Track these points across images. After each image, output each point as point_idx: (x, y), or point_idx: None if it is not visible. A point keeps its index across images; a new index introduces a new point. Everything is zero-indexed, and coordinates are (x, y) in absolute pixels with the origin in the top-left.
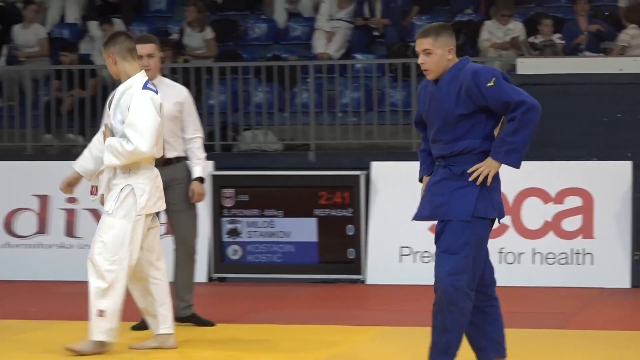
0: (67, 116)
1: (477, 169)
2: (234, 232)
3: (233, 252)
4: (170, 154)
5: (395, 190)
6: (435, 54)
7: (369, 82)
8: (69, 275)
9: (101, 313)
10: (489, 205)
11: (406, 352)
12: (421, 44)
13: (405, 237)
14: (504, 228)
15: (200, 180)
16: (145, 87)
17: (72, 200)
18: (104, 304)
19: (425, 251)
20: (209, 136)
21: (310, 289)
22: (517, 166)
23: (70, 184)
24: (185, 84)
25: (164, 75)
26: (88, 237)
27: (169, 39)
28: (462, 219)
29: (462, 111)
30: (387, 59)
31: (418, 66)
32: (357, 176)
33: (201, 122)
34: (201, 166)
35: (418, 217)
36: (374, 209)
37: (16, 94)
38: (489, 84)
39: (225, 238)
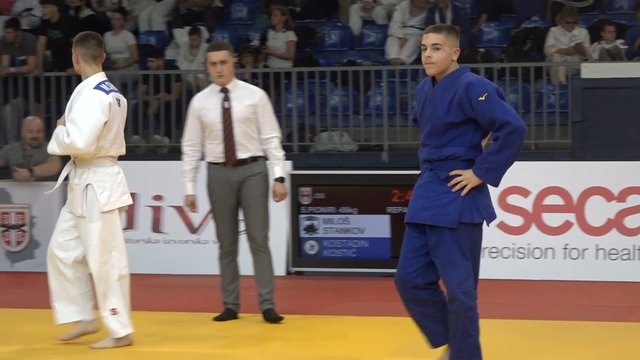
0: (153, 118)
1: (458, 176)
2: (311, 229)
3: (310, 247)
4: (242, 155)
5: None
6: (444, 50)
7: None
8: (155, 268)
9: (114, 311)
10: (474, 210)
11: None
12: (432, 38)
13: None
14: (568, 225)
15: (281, 180)
16: (97, 87)
17: (158, 197)
18: (114, 302)
19: (493, 247)
20: (287, 137)
21: (383, 283)
22: (495, 185)
23: None
24: (265, 88)
25: (244, 80)
26: (173, 233)
27: (249, 45)
28: (448, 225)
29: (451, 119)
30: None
31: (487, 70)
32: None
33: (280, 124)
34: (280, 166)
35: (407, 218)
36: None
37: None
38: (480, 98)
39: (303, 234)
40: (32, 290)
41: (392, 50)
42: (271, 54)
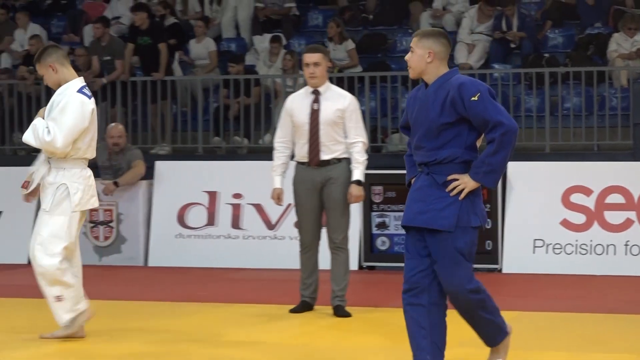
0: (233, 121)
1: (456, 180)
2: (382, 225)
3: (381, 243)
4: (326, 156)
5: (528, 188)
6: (416, 53)
7: (506, 90)
8: (234, 262)
9: (58, 298)
10: (471, 214)
11: (541, 334)
12: (411, 43)
13: (538, 230)
14: (629, 223)
15: (358, 183)
16: (79, 90)
17: (237, 195)
18: (57, 290)
19: (557, 243)
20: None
21: None
22: (494, 187)
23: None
24: None
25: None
26: (252, 229)
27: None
28: (446, 229)
29: (446, 120)
30: (522, 69)
31: (551, 75)
32: None
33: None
34: (360, 170)
35: (403, 221)
36: (509, 205)
37: (189, 101)
38: (473, 98)
39: (375, 230)
40: (118, 283)
41: (461, 56)
42: (337, 67)
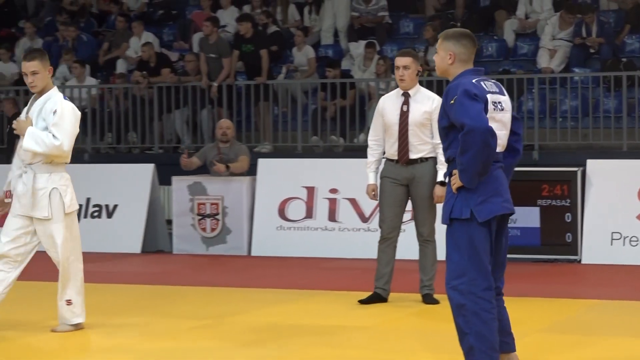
0: (330, 121)
1: (453, 176)
2: None
3: None
4: (413, 155)
5: (607, 184)
6: (438, 54)
7: (586, 92)
8: (331, 253)
9: (69, 302)
10: (464, 207)
11: (618, 320)
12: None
13: (616, 223)
14: None
15: (441, 184)
16: (65, 98)
17: (334, 191)
18: (69, 294)
19: (634, 236)
20: None
21: (533, 267)
22: (468, 185)
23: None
24: None
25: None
26: (347, 222)
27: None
28: (443, 222)
29: (443, 124)
30: (601, 72)
31: (628, 78)
32: (575, 172)
33: None
34: (444, 170)
35: None
36: (588, 200)
37: (289, 103)
38: (451, 102)
39: None
40: (224, 271)
41: (543, 60)
42: (428, 70)
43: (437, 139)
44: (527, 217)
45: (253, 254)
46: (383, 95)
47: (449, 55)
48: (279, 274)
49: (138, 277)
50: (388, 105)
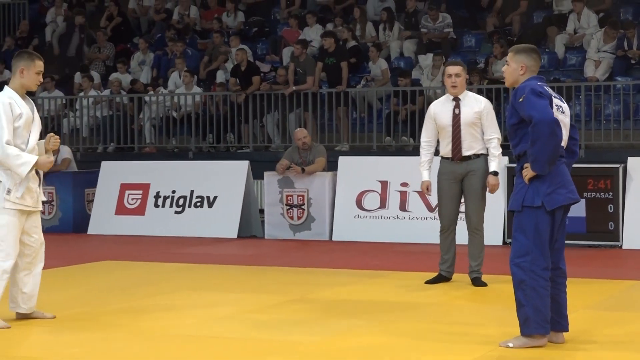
0: (401, 124)
1: (525, 169)
2: None
3: None
4: (467, 152)
5: None
6: (510, 66)
7: (627, 98)
8: (401, 238)
9: None
10: (535, 196)
11: None
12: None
13: None
14: None
15: (494, 173)
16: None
17: (404, 184)
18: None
19: None
20: (504, 138)
21: (579, 252)
22: (541, 172)
23: None
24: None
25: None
26: (416, 211)
27: (476, 67)
28: (514, 208)
29: (513, 121)
30: None
31: None
32: (617, 168)
33: (500, 128)
34: (496, 162)
35: None
36: (629, 193)
37: (366, 108)
38: (519, 100)
39: None
40: (309, 254)
41: (589, 70)
42: (493, 79)
43: (487, 135)
44: (574, 208)
45: (334, 239)
46: None
47: (520, 67)
48: (356, 256)
49: (234, 258)
50: (440, 109)
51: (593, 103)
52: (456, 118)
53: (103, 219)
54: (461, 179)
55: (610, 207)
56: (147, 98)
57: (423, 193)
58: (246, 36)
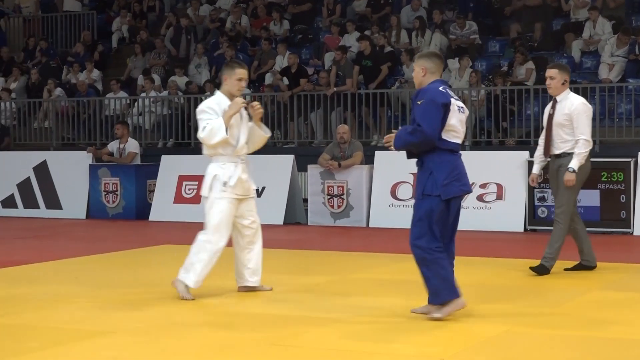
0: None
1: (390, 135)
2: (542, 199)
3: (541, 212)
4: (555, 151)
5: None
6: (415, 70)
7: (638, 98)
8: (462, 226)
9: None
10: (434, 187)
11: None
12: (550, 73)
13: None
14: None
15: (570, 170)
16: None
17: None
18: None
19: None
20: (526, 134)
21: (594, 238)
22: (396, 147)
23: None
24: (511, 100)
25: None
26: None
27: (500, 70)
28: (417, 197)
29: (412, 117)
30: None
31: None
32: (629, 162)
33: (521, 125)
34: (575, 160)
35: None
36: (639, 184)
37: (399, 107)
38: (418, 102)
39: (537, 203)
40: (348, 239)
41: (603, 72)
42: (515, 81)
43: (576, 136)
44: (589, 198)
45: (371, 225)
46: (474, 101)
47: (422, 69)
48: (391, 241)
49: (281, 243)
50: (546, 109)
51: (607, 102)
52: (550, 118)
53: (163, 207)
54: (555, 175)
55: (623, 197)
56: (202, 98)
57: (530, 184)
58: (292, 42)
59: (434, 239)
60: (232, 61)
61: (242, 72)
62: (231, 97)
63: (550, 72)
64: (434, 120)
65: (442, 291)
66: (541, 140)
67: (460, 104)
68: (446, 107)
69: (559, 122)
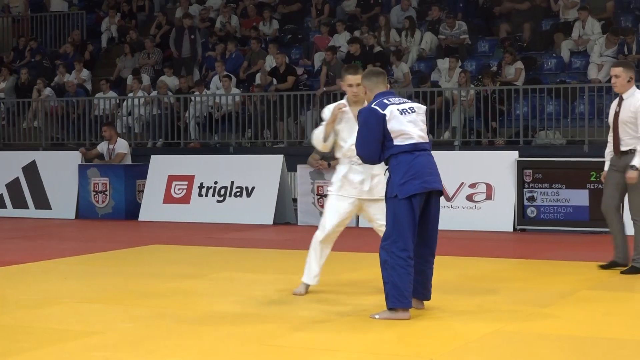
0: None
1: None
2: (531, 199)
3: (531, 212)
4: (623, 148)
5: None
6: (360, 86)
7: None
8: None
9: None
10: (389, 189)
11: None
12: (615, 71)
13: None
14: None
15: (632, 167)
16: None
17: None
18: None
19: None
20: (515, 134)
21: (583, 238)
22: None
23: None
24: (500, 100)
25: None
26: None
27: (490, 70)
28: (386, 201)
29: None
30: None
31: None
32: None
33: (510, 125)
34: (638, 157)
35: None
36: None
37: None
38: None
39: (526, 202)
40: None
41: (592, 73)
42: (504, 81)
43: (638, 133)
44: (578, 198)
45: (360, 225)
46: (464, 101)
47: (362, 89)
48: (378, 241)
49: (270, 243)
50: (612, 107)
51: (596, 102)
52: (616, 116)
53: (152, 207)
54: (623, 172)
55: None
56: (192, 98)
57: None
58: (281, 42)
59: (401, 242)
60: (348, 66)
61: (350, 78)
62: (349, 102)
63: (615, 71)
64: (367, 144)
65: (390, 297)
66: (610, 138)
67: (406, 106)
68: (380, 121)
69: (625, 120)
